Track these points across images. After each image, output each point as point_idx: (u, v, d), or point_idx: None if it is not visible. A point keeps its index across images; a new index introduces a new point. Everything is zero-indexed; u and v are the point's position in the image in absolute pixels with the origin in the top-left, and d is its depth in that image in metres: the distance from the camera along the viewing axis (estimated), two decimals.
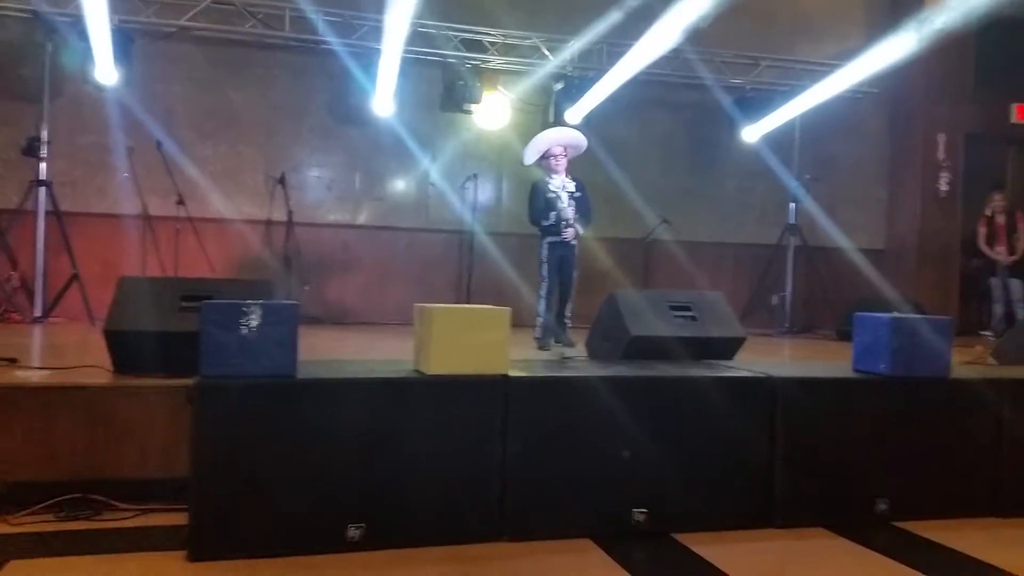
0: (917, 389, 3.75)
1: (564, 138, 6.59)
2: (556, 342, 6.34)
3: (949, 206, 9.96)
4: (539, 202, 6.42)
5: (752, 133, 9.38)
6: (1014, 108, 10.08)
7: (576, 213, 6.38)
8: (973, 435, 3.80)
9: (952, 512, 3.71)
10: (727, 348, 4.53)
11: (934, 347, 3.80)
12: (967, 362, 4.92)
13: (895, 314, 4.02)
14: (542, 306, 6.37)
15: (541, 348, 6.27)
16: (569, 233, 6.36)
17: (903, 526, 3.60)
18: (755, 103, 9.35)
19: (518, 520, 3.26)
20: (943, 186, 9.90)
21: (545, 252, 6.41)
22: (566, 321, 6.48)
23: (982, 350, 5.51)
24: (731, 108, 9.34)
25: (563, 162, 6.47)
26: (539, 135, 6.80)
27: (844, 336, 7.28)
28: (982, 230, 9.23)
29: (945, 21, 8.28)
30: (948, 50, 9.17)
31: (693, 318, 4.53)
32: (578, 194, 6.46)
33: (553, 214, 6.36)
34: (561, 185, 6.43)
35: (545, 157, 6.52)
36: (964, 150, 9.98)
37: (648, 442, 3.38)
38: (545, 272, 6.40)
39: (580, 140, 6.61)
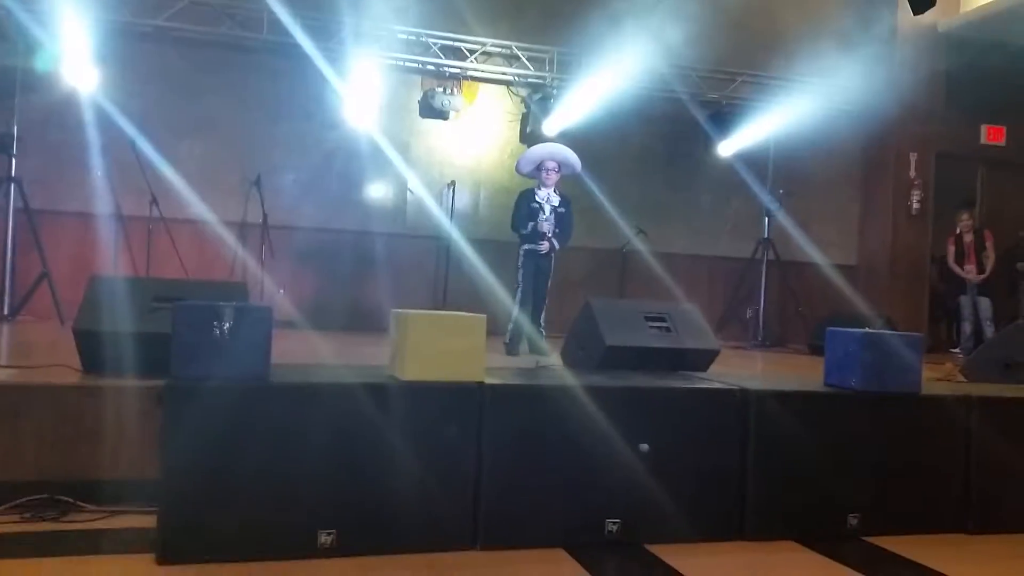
0: (888, 404, 3.79)
1: (560, 155, 6.74)
2: (531, 351, 6.44)
3: (920, 223, 10.14)
4: (522, 211, 6.62)
5: (727, 147, 9.48)
6: (984, 129, 10.31)
7: (556, 228, 6.55)
8: (943, 451, 3.84)
9: (922, 528, 3.74)
10: (701, 360, 4.54)
11: (905, 362, 3.84)
12: (937, 379, 4.99)
13: (867, 329, 4.07)
14: (515, 311, 6.53)
15: (509, 353, 6.41)
16: (544, 246, 6.52)
17: (873, 541, 3.62)
18: (730, 118, 9.47)
19: (491, 528, 3.25)
20: (915, 203, 10.07)
21: (521, 260, 6.59)
22: (541, 330, 6.58)
23: (952, 367, 5.60)
24: (707, 122, 9.44)
25: (554, 177, 6.64)
26: (537, 146, 6.98)
27: (816, 350, 7.36)
28: (951, 248, 9.39)
29: (917, 41, 8.44)
30: (920, 69, 9.37)
31: (668, 329, 4.55)
32: (561, 210, 6.63)
33: (532, 224, 6.53)
34: (546, 198, 6.60)
35: (538, 169, 6.67)
36: (935, 169, 10.17)
37: (622, 452, 3.38)
38: (520, 279, 6.57)
39: (576, 161, 6.80)
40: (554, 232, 6.56)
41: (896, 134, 10.09)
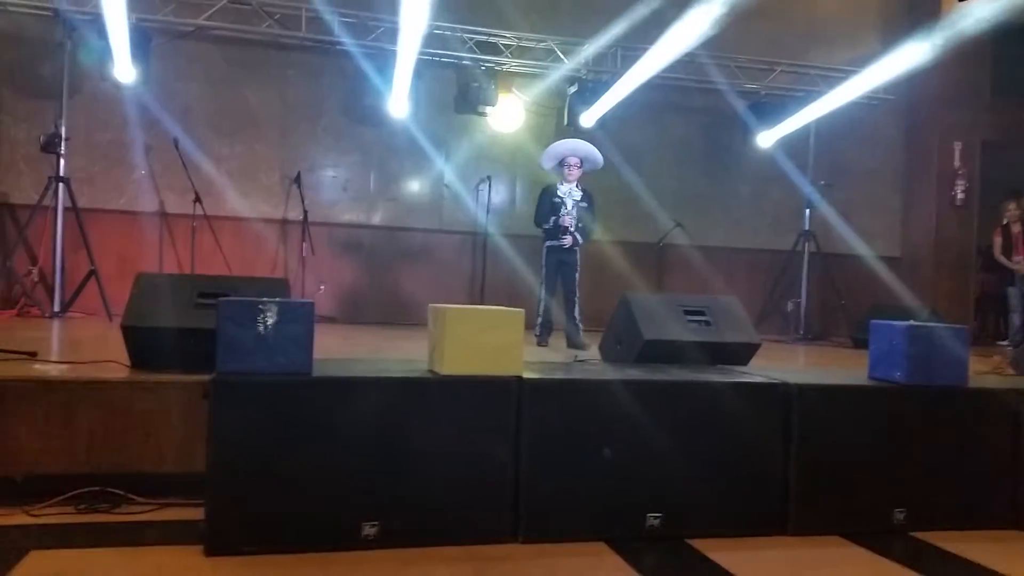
0: (934, 397, 3.72)
1: (582, 150, 6.75)
2: (569, 346, 6.49)
3: (965, 214, 9.92)
4: (544, 206, 6.69)
5: (767, 138, 9.36)
6: None
7: (579, 222, 6.59)
8: (992, 445, 3.77)
9: (971, 523, 3.67)
10: (742, 353, 4.51)
11: (951, 355, 3.77)
12: (985, 372, 4.89)
13: (912, 322, 4.00)
14: (540, 306, 6.62)
15: (540, 344, 6.50)
16: (566, 240, 6.57)
17: (920, 536, 3.56)
18: (770, 108, 9.34)
19: (532, 521, 3.26)
20: (959, 194, 9.86)
21: (544, 254, 6.68)
22: (577, 324, 6.60)
23: (1000, 360, 5.48)
24: (746, 113, 9.34)
25: (576, 173, 6.67)
26: (559, 142, 6.96)
27: (860, 343, 7.25)
28: (997, 240, 9.18)
29: (962, 27, 8.25)
30: (965, 57, 9.13)
31: (707, 323, 4.52)
32: (584, 204, 6.66)
33: (553, 219, 6.59)
34: (568, 192, 6.64)
35: (561, 164, 6.70)
36: (981, 158, 9.93)
37: (663, 446, 3.37)
38: (544, 274, 6.68)
39: (597, 156, 6.80)
40: (577, 226, 6.59)
41: (939, 123, 9.88)
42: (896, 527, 3.59)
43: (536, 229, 6.79)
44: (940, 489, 3.67)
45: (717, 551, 3.25)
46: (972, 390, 3.83)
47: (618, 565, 3.09)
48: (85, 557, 2.90)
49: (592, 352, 5.63)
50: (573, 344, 6.49)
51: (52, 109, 7.62)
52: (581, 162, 6.68)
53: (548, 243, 6.66)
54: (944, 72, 9.36)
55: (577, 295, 6.63)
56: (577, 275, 6.65)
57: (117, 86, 7.72)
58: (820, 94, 9.16)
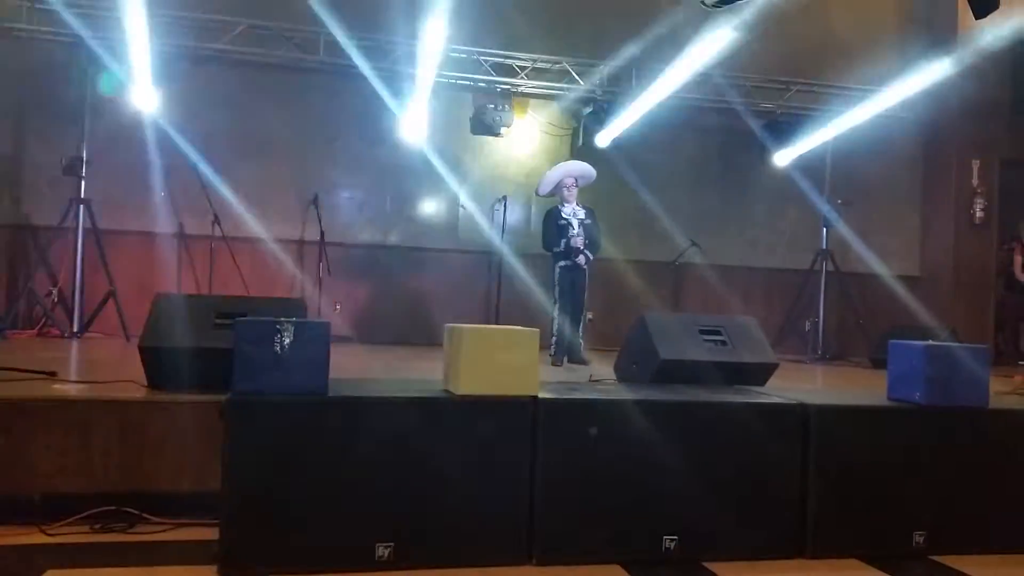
0: (954, 419, 3.68)
1: (575, 170, 7.07)
2: (570, 360, 6.70)
3: (984, 233, 9.83)
4: (551, 229, 6.90)
5: (783, 157, 9.34)
6: None
7: (587, 240, 6.79)
8: (1013, 467, 3.71)
9: (991, 547, 3.61)
10: (759, 374, 4.47)
11: (972, 376, 3.73)
12: (1006, 392, 4.83)
13: (931, 342, 3.96)
14: (555, 326, 6.78)
15: (554, 364, 6.64)
16: (580, 260, 6.77)
17: (941, 560, 3.51)
18: (785, 127, 9.33)
19: (546, 543, 3.23)
20: (978, 212, 9.77)
21: (557, 275, 6.85)
22: (580, 340, 6.81)
23: (1021, 380, 5.41)
24: (761, 132, 9.33)
25: (574, 192, 6.95)
26: (551, 170, 7.29)
27: (878, 364, 7.17)
28: (1018, 259, 9.09)
29: (981, 44, 8.21)
30: (984, 74, 9.09)
31: (724, 342, 4.49)
32: (588, 221, 6.89)
33: (564, 241, 6.78)
34: (572, 212, 6.87)
35: (558, 187, 6.98)
36: (1000, 176, 9.85)
37: (679, 467, 3.35)
38: (557, 294, 6.84)
39: (589, 171, 7.11)
40: (585, 244, 6.76)
41: (957, 141, 9.82)
42: (915, 550, 3.54)
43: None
44: (960, 512, 3.61)
45: (734, 574, 3.21)
46: (993, 411, 3.78)
47: None
48: None
49: (593, 368, 5.72)
50: (575, 360, 6.68)
51: (74, 133, 7.73)
52: (576, 180, 6.94)
53: (561, 263, 6.81)
54: (962, 89, 9.31)
55: (584, 311, 6.88)
56: (585, 294, 6.89)
57: (138, 110, 7.83)
58: (836, 113, 9.14)
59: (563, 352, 6.74)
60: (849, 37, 9.78)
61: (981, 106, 9.62)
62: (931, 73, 8.60)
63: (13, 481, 3.42)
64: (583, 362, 6.56)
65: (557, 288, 6.81)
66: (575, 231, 6.75)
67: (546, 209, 7.18)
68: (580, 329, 6.83)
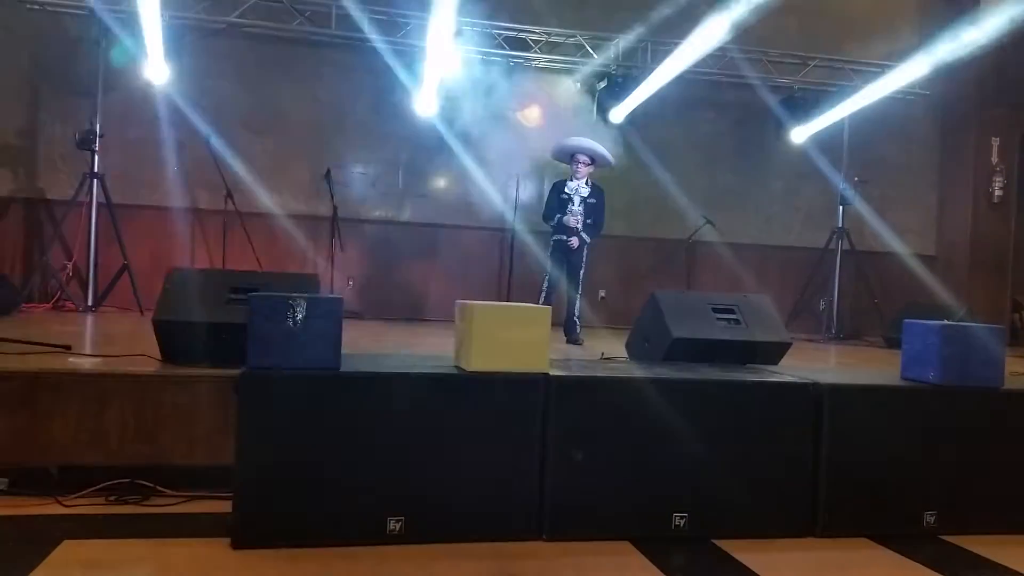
0: (968, 399, 3.65)
1: (593, 151, 6.84)
2: (568, 341, 6.59)
3: (1003, 211, 9.71)
4: (551, 201, 6.82)
5: (800, 134, 9.24)
6: None
7: (588, 219, 6.67)
8: None
9: (1003, 527, 3.60)
10: (772, 353, 4.45)
11: (986, 356, 3.70)
12: (1021, 373, 4.79)
13: (946, 321, 3.93)
14: (541, 298, 6.64)
15: None
16: (573, 242, 6.64)
17: (951, 540, 3.51)
18: (803, 103, 9.21)
19: (557, 519, 3.25)
20: (997, 190, 9.65)
21: (551, 248, 6.79)
22: (575, 320, 6.71)
23: None
24: (778, 108, 9.22)
25: (584, 170, 6.78)
26: (573, 138, 7.05)
27: (893, 343, 7.14)
28: None
29: (1003, 19, 8.05)
30: (1004, 50, 8.92)
31: (737, 321, 4.46)
32: (592, 200, 6.74)
33: (559, 216, 6.68)
34: (576, 189, 6.74)
35: (573, 160, 6.81)
36: (1020, 153, 9.72)
37: (690, 445, 3.35)
38: (549, 267, 6.76)
39: (608, 158, 6.92)
40: (584, 223, 6.64)
41: (977, 118, 9.68)
42: (926, 530, 3.53)
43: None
44: (972, 492, 3.60)
45: (743, 552, 3.22)
46: (1007, 391, 3.75)
47: (643, 565, 3.08)
48: (115, 547, 2.95)
49: (586, 348, 5.71)
50: (569, 340, 6.61)
51: (88, 107, 7.73)
52: (592, 160, 6.76)
53: (555, 237, 6.76)
54: (982, 66, 9.16)
55: (580, 292, 6.74)
56: (582, 273, 6.74)
57: (150, 84, 7.82)
58: (855, 89, 9.02)
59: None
60: (869, 11, 9.63)
61: (1002, 83, 9.47)
62: (952, 48, 8.45)
63: (30, 453, 3.47)
64: (576, 342, 6.45)
65: (550, 261, 6.75)
66: (574, 206, 6.64)
67: (552, 181, 7.08)
68: (577, 309, 6.72)
